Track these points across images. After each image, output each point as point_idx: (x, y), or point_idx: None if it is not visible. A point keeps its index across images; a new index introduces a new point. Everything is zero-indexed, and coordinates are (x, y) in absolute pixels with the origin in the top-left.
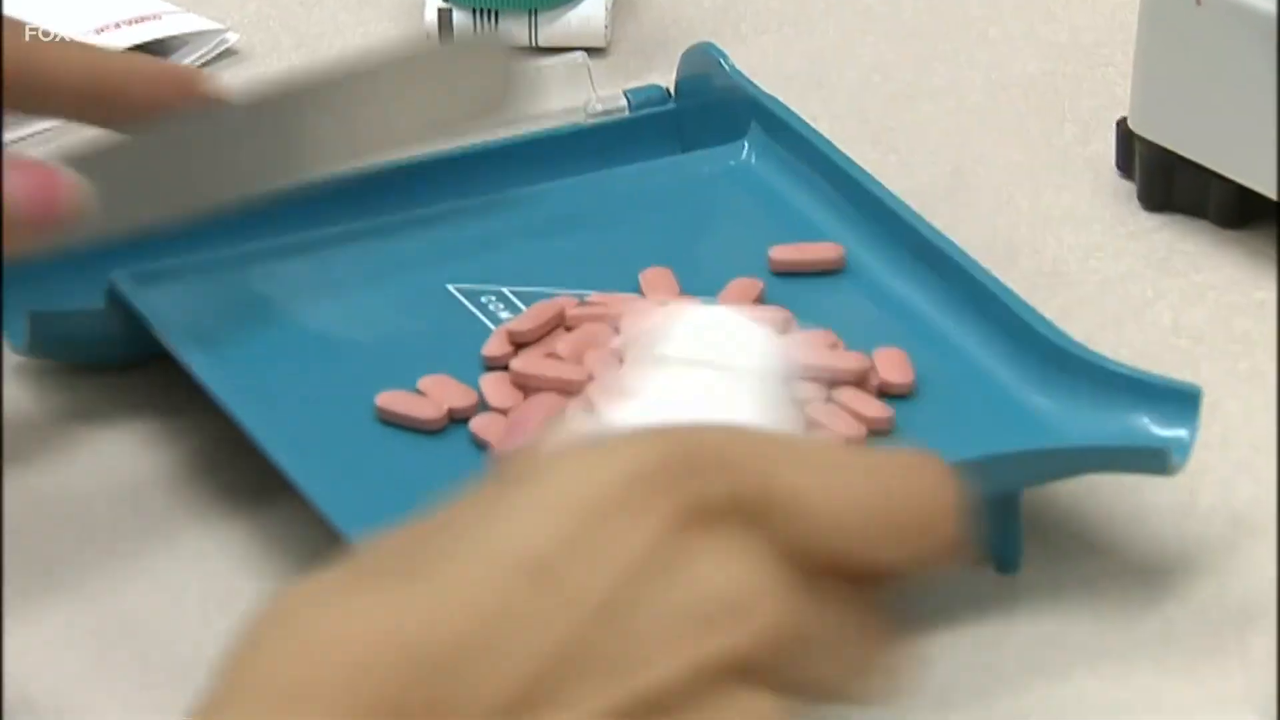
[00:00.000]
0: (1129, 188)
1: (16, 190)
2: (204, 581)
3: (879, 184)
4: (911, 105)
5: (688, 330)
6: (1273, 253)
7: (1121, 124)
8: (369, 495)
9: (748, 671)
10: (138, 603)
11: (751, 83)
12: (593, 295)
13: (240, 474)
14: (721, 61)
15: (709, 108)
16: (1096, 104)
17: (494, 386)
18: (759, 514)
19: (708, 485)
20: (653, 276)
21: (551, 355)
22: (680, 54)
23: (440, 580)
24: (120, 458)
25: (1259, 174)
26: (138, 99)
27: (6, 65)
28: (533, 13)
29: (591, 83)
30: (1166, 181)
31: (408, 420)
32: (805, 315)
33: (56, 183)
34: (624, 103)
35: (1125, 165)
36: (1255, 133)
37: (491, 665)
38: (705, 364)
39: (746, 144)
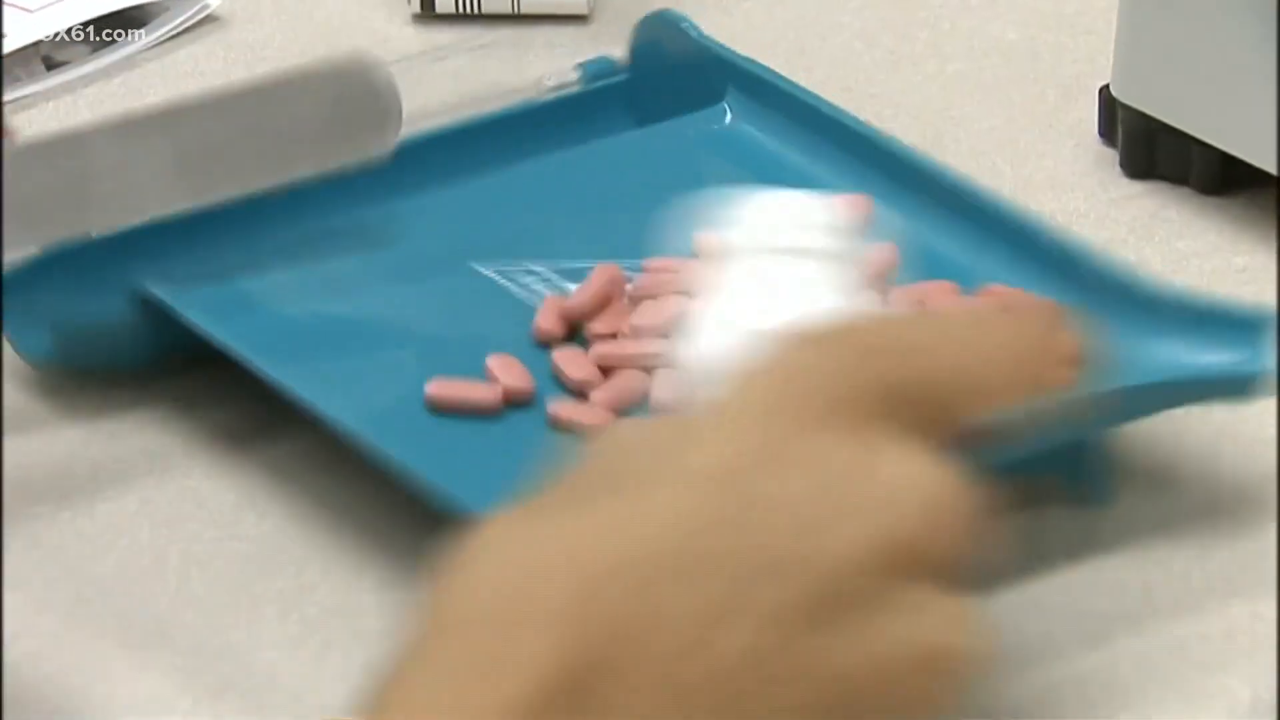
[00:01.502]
0: (1111, 154)
1: None
2: (184, 544)
3: (878, 131)
4: (893, 72)
5: (756, 216)
6: (1255, 219)
7: (1104, 90)
8: (463, 467)
9: (933, 566)
10: (117, 565)
11: (724, 46)
12: (649, 261)
13: (215, 439)
14: (686, 27)
15: (673, 74)
16: (1079, 70)
17: (572, 362)
18: (926, 398)
19: (882, 379)
20: (708, 240)
21: (628, 334)
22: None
23: (644, 500)
24: (100, 431)
25: (1242, 140)
26: None
27: None
28: None
29: (527, 61)
30: (1149, 148)
31: (465, 406)
32: None
33: None
34: (575, 76)
35: (1107, 132)
36: (1238, 99)
37: (697, 574)
38: (779, 250)
39: (727, 107)
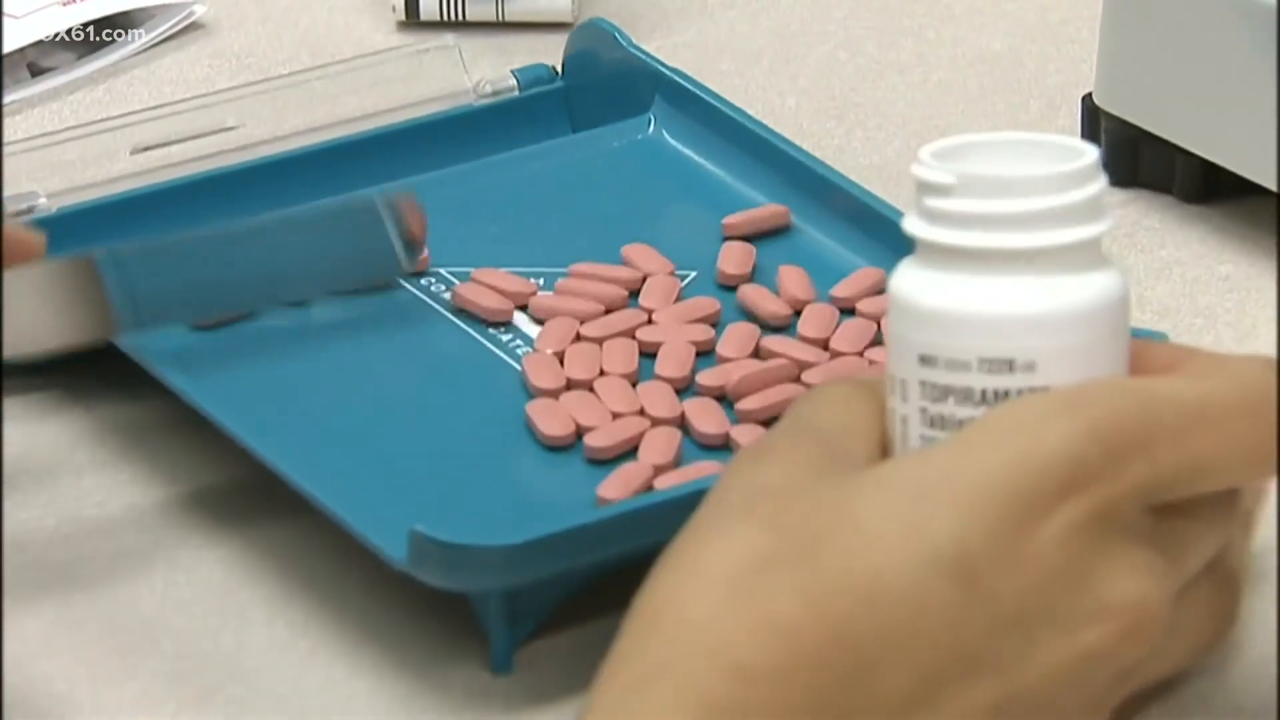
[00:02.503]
0: None
1: None
2: (171, 548)
3: (795, 145)
4: (878, 80)
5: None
6: (1237, 228)
7: (1087, 99)
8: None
9: (1125, 673)
10: (105, 570)
11: (651, 55)
12: (576, 266)
13: (202, 440)
14: (617, 36)
15: (604, 83)
16: (1062, 80)
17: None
18: (1166, 489)
19: (1126, 476)
20: (637, 252)
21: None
22: (653, 29)
23: (863, 568)
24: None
25: (1224, 149)
26: None
27: None
28: None
29: (464, 66)
30: (1132, 157)
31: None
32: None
33: None
34: (513, 83)
35: (1090, 140)
36: (1221, 108)
37: (903, 659)
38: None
39: (652, 117)
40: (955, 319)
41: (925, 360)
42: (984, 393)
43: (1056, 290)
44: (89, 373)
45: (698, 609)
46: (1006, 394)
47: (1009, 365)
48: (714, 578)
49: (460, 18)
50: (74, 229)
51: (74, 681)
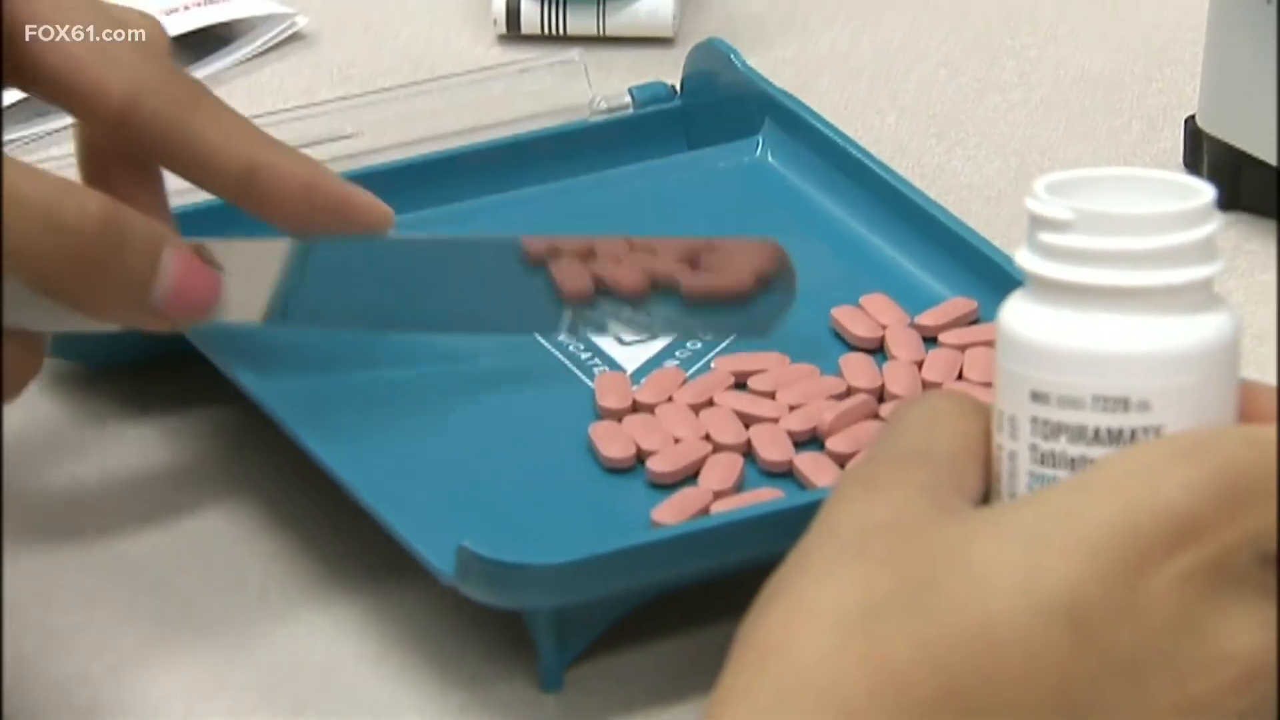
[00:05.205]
0: None
1: (171, 277)
2: (265, 560)
3: (900, 177)
4: (979, 100)
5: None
6: None
7: (1189, 122)
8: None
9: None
10: (199, 580)
11: (764, 79)
12: None
13: (295, 453)
14: (732, 58)
15: (718, 104)
16: (1164, 102)
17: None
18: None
19: (1242, 525)
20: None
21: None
22: (753, 45)
23: (976, 617)
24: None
25: None
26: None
27: (234, 170)
28: (600, 2)
29: (589, 81)
30: (1234, 180)
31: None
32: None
33: (206, 282)
34: (629, 99)
35: (1193, 163)
36: None
37: (1013, 707)
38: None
39: (761, 140)
40: (1071, 356)
41: (1037, 397)
42: (1097, 431)
43: (1173, 329)
44: (171, 381)
45: (809, 651)
46: (1120, 432)
47: (1124, 404)
48: (825, 619)
49: (561, 31)
50: (184, 230)
51: (168, 691)
